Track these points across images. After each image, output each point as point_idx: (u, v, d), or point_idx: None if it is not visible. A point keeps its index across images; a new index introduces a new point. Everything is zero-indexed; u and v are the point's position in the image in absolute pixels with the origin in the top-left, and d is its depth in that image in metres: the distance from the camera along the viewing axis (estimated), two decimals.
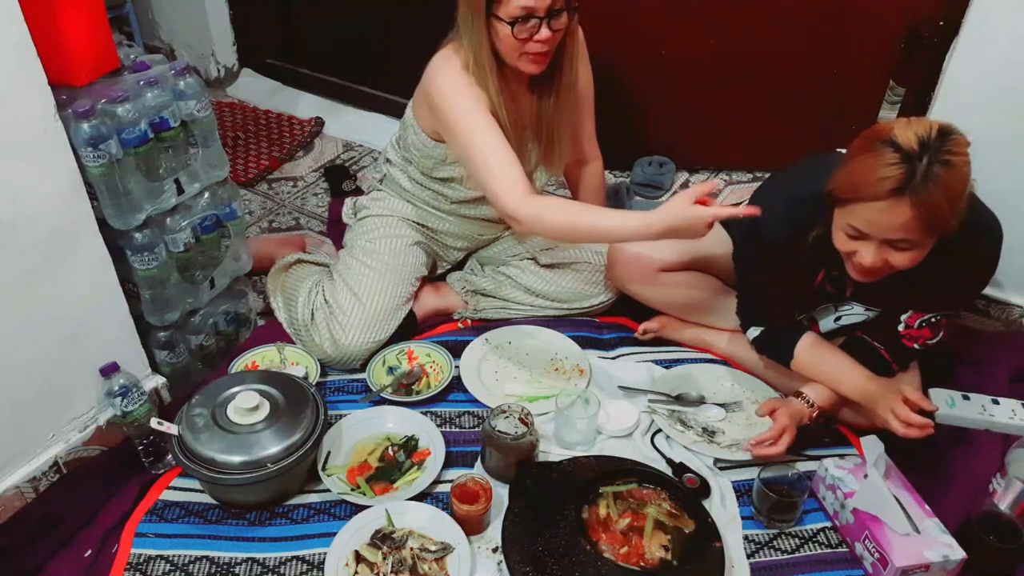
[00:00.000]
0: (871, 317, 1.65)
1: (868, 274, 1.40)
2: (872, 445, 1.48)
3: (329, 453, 1.60)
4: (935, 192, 1.24)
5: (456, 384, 1.77)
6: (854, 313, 1.65)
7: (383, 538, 1.42)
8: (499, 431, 1.52)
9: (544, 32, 1.57)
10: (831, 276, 1.58)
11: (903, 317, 1.56)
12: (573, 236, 1.64)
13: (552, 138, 1.81)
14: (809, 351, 1.62)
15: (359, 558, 1.40)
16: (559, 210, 1.54)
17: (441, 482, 1.56)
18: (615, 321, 1.98)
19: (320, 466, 1.56)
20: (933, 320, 1.55)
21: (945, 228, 1.30)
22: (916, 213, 1.26)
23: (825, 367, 1.61)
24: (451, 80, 1.65)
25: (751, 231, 1.59)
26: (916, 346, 1.58)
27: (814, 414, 1.61)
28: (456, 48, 1.67)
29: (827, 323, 1.70)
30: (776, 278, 1.60)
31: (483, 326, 1.94)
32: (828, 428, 1.70)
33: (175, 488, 1.56)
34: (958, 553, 1.37)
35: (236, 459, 1.43)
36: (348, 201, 2.07)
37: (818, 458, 1.60)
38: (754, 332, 1.68)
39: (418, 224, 1.95)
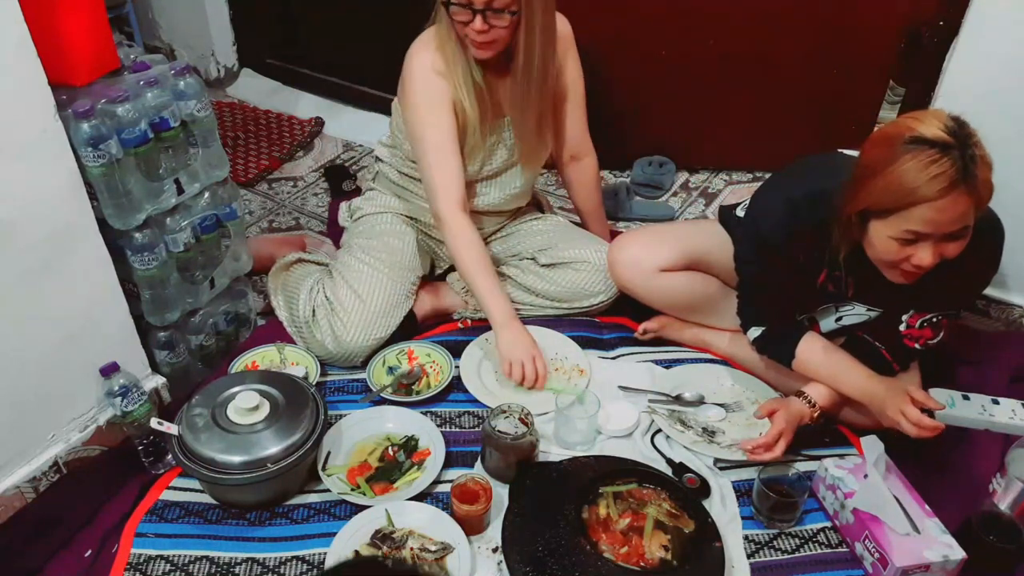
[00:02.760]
0: (872, 317, 1.65)
1: (916, 275, 1.39)
2: (872, 445, 1.49)
3: (329, 453, 1.59)
4: (982, 172, 1.27)
5: (456, 384, 1.77)
6: (855, 313, 1.65)
7: (383, 538, 1.42)
8: (499, 431, 1.52)
9: (478, 23, 1.59)
10: (833, 276, 1.58)
11: (904, 317, 1.56)
12: (459, 269, 1.82)
13: (519, 133, 1.81)
14: (810, 351, 1.62)
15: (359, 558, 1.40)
16: (464, 245, 1.74)
17: (441, 482, 1.56)
18: (615, 321, 1.98)
19: (320, 466, 1.56)
20: (934, 320, 1.56)
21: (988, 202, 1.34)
22: (973, 199, 1.28)
23: (826, 367, 1.61)
24: (419, 66, 1.72)
25: (752, 231, 1.59)
26: (917, 346, 1.58)
27: (815, 414, 1.61)
28: (436, 29, 1.70)
29: (828, 323, 1.70)
30: (776, 278, 1.60)
31: (483, 326, 1.93)
32: (828, 428, 1.69)
33: (175, 488, 1.56)
34: (958, 553, 1.37)
35: (236, 459, 1.43)
36: (343, 205, 2.08)
37: (818, 458, 1.60)
38: (755, 332, 1.68)
39: (411, 219, 1.96)
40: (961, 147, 1.26)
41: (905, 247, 1.34)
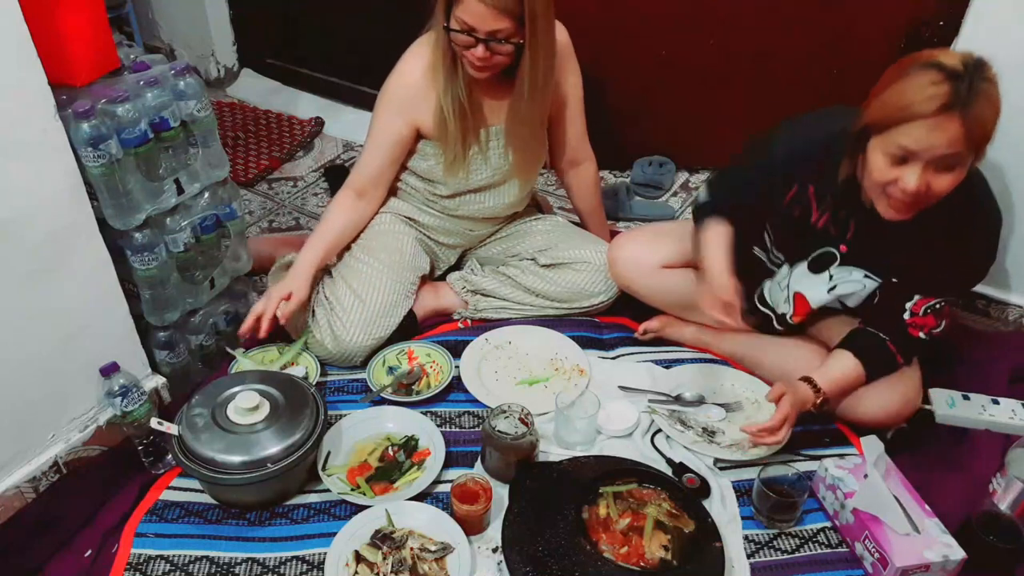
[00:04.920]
0: (866, 289, 1.63)
1: (906, 205, 1.40)
2: (872, 445, 1.49)
3: (329, 453, 1.59)
4: (983, 106, 1.29)
5: (456, 384, 1.77)
6: (851, 280, 1.63)
7: (383, 538, 1.42)
8: (499, 431, 1.52)
9: (479, 51, 1.60)
10: (836, 218, 1.58)
11: (908, 305, 1.55)
12: None
13: (517, 144, 1.83)
14: (713, 227, 1.67)
15: (359, 558, 1.40)
16: (327, 213, 1.89)
17: (441, 482, 1.56)
18: (615, 321, 1.98)
19: (320, 466, 1.56)
20: (937, 306, 1.54)
21: (983, 146, 1.34)
22: (966, 127, 1.29)
23: (705, 246, 1.66)
24: (402, 69, 1.76)
25: (765, 148, 1.62)
26: (922, 335, 1.56)
27: (819, 400, 1.59)
28: (429, 37, 1.71)
29: (820, 292, 1.67)
30: (755, 185, 1.64)
31: (483, 326, 1.94)
32: (829, 428, 1.69)
33: (175, 488, 1.56)
34: (958, 553, 1.37)
35: (236, 459, 1.43)
36: None
37: (818, 458, 1.60)
38: (703, 196, 1.73)
39: (411, 220, 1.96)
40: (969, 78, 1.28)
41: (894, 167, 1.36)
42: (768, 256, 1.76)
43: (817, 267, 1.66)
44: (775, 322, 1.76)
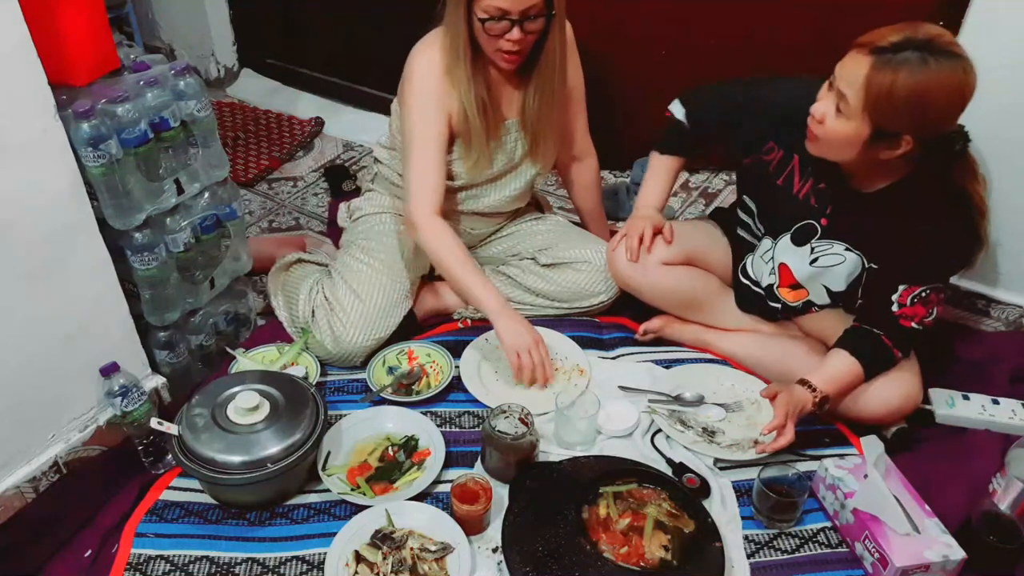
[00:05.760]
0: (848, 263, 1.62)
1: (811, 136, 1.48)
2: (872, 445, 1.49)
3: (329, 453, 1.59)
4: (902, 74, 1.32)
5: (456, 384, 1.77)
6: (832, 253, 1.63)
7: (383, 538, 1.42)
8: (499, 431, 1.52)
9: (515, 33, 1.61)
10: (817, 189, 1.61)
11: (894, 297, 1.55)
12: (441, 270, 1.81)
13: (536, 133, 1.83)
14: (659, 160, 1.86)
15: (359, 558, 1.40)
16: (445, 246, 1.73)
17: (441, 482, 1.56)
18: (615, 321, 1.99)
19: (320, 466, 1.56)
20: (924, 295, 1.54)
21: (884, 123, 1.37)
22: (870, 76, 1.34)
23: (649, 179, 1.88)
24: (420, 65, 1.73)
25: (760, 87, 1.73)
26: (914, 325, 1.56)
27: (817, 399, 1.58)
28: (441, 32, 1.70)
29: (802, 264, 1.67)
30: (739, 111, 1.74)
31: (483, 326, 1.93)
32: (829, 428, 1.69)
33: (175, 488, 1.56)
34: (958, 553, 1.37)
35: (236, 459, 1.43)
36: (342, 206, 2.08)
37: (818, 458, 1.60)
38: (677, 108, 1.83)
39: None
40: (920, 49, 1.31)
41: (825, 90, 1.44)
42: (749, 231, 1.78)
43: (800, 239, 1.68)
44: (765, 298, 1.77)
